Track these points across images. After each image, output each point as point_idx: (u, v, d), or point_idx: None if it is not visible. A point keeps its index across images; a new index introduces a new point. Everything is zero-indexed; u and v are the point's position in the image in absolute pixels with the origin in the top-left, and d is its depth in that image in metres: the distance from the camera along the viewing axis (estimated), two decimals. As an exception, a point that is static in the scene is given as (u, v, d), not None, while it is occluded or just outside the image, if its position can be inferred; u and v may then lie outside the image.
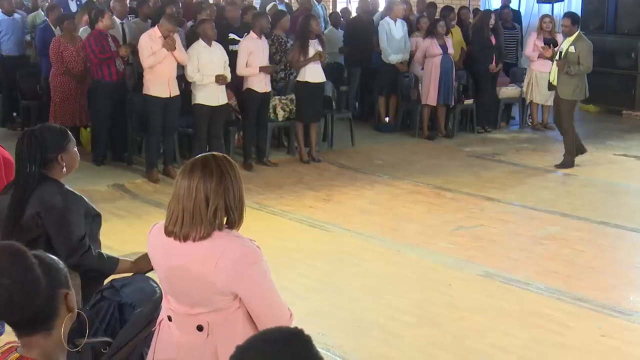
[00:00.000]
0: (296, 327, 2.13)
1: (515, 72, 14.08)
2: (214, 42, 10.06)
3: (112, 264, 4.27)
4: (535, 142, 12.74)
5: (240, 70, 10.43)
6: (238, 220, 3.20)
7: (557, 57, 10.68)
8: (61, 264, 2.49)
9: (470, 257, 7.58)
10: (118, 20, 11.13)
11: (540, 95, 13.19)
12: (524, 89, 13.37)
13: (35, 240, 4.02)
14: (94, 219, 4.27)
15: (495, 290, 6.80)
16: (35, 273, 2.35)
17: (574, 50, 10.50)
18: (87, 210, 4.20)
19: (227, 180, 3.14)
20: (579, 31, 10.77)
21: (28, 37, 12.98)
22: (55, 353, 2.43)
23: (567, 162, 10.91)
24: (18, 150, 4.10)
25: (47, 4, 13.89)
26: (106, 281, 4.17)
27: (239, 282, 3.12)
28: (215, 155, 3.21)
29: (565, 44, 10.69)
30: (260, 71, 10.31)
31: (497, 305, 6.45)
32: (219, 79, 9.95)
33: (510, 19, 14.25)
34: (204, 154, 3.25)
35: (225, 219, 3.17)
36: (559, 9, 16.58)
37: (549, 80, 11.07)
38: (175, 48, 9.64)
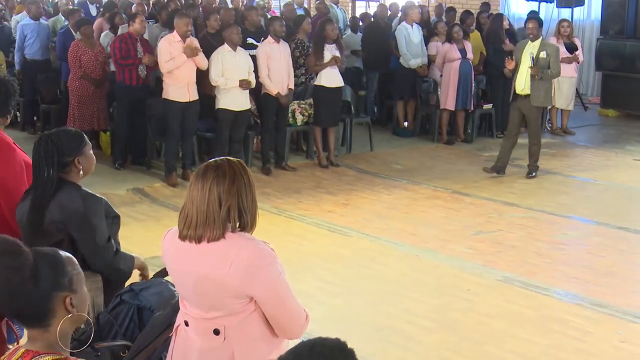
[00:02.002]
0: (339, 339, 2.15)
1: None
2: (238, 48, 10.08)
3: (131, 262, 4.31)
4: (554, 147, 12.68)
5: (263, 77, 10.42)
6: (251, 223, 3.21)
7: (530, 64, 10.14)
8: (71, 267, 2.57)
9: (489, 262, 7.56)
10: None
11: (561, 100, 13.16)
12: (545, 93, 13.31)
13: (58, 245, 4.04)
14: (113, 220, 4.28)
15: (514, 295, 6.77)
16: (21, 274, 2.46)
17: (545, 56, 10.19)
18: (106, 211, 4.21)
19: (240, 182, 3.15)
20: (541, 36, 10.55)
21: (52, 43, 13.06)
22: (59, 345, 2.54)
23: (534, 170, 10.65)
24: (35, 155, 4.11)
25: (69, 8, 13.95)
26: (126, 284, 4.18)
27: (253, 284, 3.12)
28: (229, 159, 3.23)
29: (533, 49, 10.26)
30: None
31: (516, 311, 6.42)
32: (243, 84, 9.97)
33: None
34: (218, 158, 3.26)
35: (238, 222, 3.18)
36: (579, 14, 16.52)
37: (514, 91, 10.49)
38: (196, 54, 9.66)
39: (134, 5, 11.58)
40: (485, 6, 14.76)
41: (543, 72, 10.14)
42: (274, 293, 3.18)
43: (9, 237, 2.54)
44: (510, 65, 10.43)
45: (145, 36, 10.60)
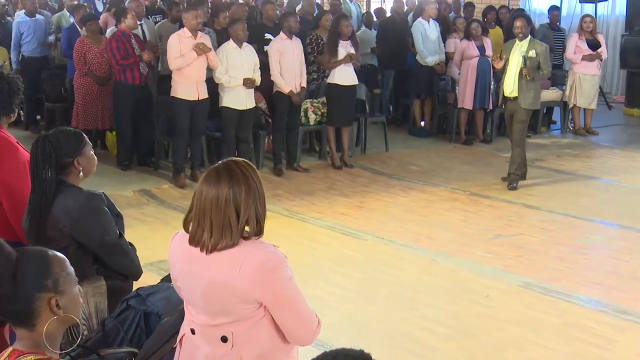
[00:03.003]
0: (362, 350, 2.16)
1: (555, 75, 13.98)
2: (244, 44, 10.07)
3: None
4: (577, 148, 12.65)
5: (275, 75, 10.44)
6: (262, 227, 3.21)
7: (521, 64, 9.83)
8: (59, 268, 2.64)
9: (508, 266, 7.54)
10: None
11: (584, 99, 13.13)
12: (566, 92, 13.31)
13: (63, 251, 4.03)
14: (117, 219, 4.28)
15: (534, 301, 6.75)
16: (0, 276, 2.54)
17: (534, 55, 9.87)
18: (109, 208, 4.22)
19: (254, 189, 3.16)
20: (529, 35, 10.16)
21: (52, 38, 13.09)
22: (44, 345, 2.60)
23: (515, 178, 10.20)
24: (33, 157, 4.11)
25: (74, 3, 13.99)
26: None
27: (262, 289, 3.13)
28: (237, 162, 3.22)
29: (522, 48, 9.95)
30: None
31: (537, 318, 6.40)
32: (247, 82, 9.97)
33: (557, 20, 14.19)
34: (224, 160, 3.25)
35: (256, 230, 3.19)
36: (603, 9, 16.48)
37: (503, 95, 10.18)
38: (207, 50, 9.67)
39: (127, 1, 11.54)
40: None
41: (535, 72, 9.90)
42: (284, 298, 3.19)
43: None
44: (498, 64, 10.14)
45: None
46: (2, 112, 4.68)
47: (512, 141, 10.35)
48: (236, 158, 3.28)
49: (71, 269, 2.70)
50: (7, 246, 2.61)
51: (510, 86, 10.02)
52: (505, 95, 10.12)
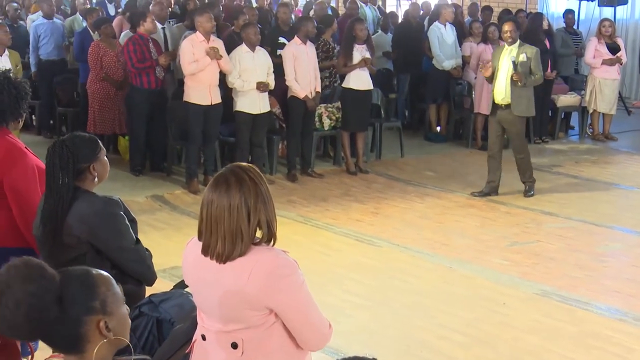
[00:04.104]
0: (376, 359, 2.17)
1: (574, 80, 13.97)
2: (257, 48, 10.09)
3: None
4: (595, 154, 12.62)
5: (290, 80, 10.45)
6: (274, 232, 3.22)
7: (512, 70, 9.61)
8: (105, 287, 2.50)
9: (525, 274, 7.53)
10: (159, 25, 11.16)
11: (605, 104, 13.10)
12: (586, 97, 13.27)
13: (81, 258, 4.05)
14: (131, 224, 4.28)
15: (552, 309, 6.73)
16: (43, 300, 2.38)
17: (525, 59, 9.64)
18: (124, 215, 4.23)
19: (264, 194, 3.17)
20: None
21: (66, 42, 13.15)
22: None
23: (531, 186, 10.12)
24: (49, 162, 4.10)
25: (87, 7, 14.06)
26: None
27: (273, 295, 3.13)
28: (244, 167, 3.22)
29: (512, 53, 9.71)
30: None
31: (555, 326, 6.39)
32: (260, 86, 10.00)
33: (573, 24, 14.17)
34: (229, 166, 3.25)
35: (267, 235, 3.20)
36: (622, 13, 16.44)
37: (493, 102, 9.92)
38: (220, 57, 9.69)
39: (151, 5, 11.56)
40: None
41: (527, 78, 9.66)
42: (295, 303, 3.19)
43: (32, 259, 2.46)
44: (486, 72, 9.90)
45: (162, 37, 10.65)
46: (10, 117, 4.70)
47: (511, 150, 10.18)
48: (241, 163, 3.29)
49: (117, 287, 2.57)
50: (49, 268, 2.45)
51: (501, 93, 9.78)
52: (496, 102, 9.88)
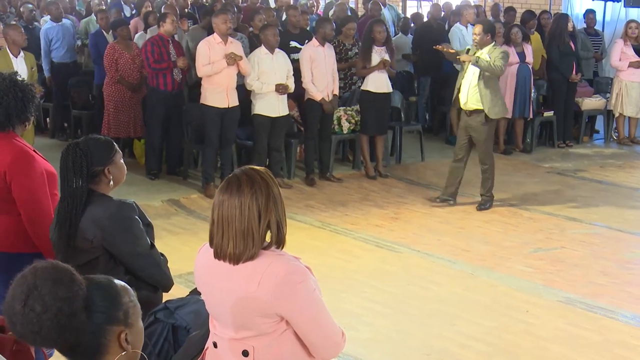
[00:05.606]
0: None
1: (599, 82, 13.91)
2: (277, 50, 10.11)
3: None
4: (621, 158, 12.56)
5: (307, 82, 10.44)
6: (283, 235, 3.22)
7: (478, 75, 9.32)
8: (127, 298, 2.48)
9: (549, 281, 7.50)
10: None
11: (632, 107, 13.04)
12: (612, 100, 13.21)
13: (94, 262, 4.06)
14: (147, 229, 4.29)
15: (576, 318, 6.70)
16: (73, 305, 2.35)
17: (488, 58, 9.25)
18: (140, 218, 4.24)
19: (275, 195, 3.18)
20: (494, 42, 9.58)
21: (78, 43, 13.19)
22: None
23: (487, 200, 9.80)
24: (63, 165, 4.11)
25: (100, 8, 14.12)
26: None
27: (283, 302, 3.13)
28: (256, 169, 3.24)
29: (481, 57, 9.31)
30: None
31: (579, 335, 6.36)
32: (280, 89, 10.00)
33: (594, 24, 14.11)
34: (242, 168, 3.26)
35: (276, 237, 3.20)
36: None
37: (459, 107, 9.69)
38: (240, 58, 9.68)
39: (164, 5, 11.61)
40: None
41: (478, 60, 9.21)
42: (307, 311, 3.19)
43: (60, 264, 2.43)
44: (465, 57, 9.48)
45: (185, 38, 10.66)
46: (16, 120, 4.71)
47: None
48: (254, 166, 3.29)
49: (136, 299, 2.53)
50: (78, 274, 2.42)
51: (464, 97, 9.55)
52: (461, 107, 9.65)
